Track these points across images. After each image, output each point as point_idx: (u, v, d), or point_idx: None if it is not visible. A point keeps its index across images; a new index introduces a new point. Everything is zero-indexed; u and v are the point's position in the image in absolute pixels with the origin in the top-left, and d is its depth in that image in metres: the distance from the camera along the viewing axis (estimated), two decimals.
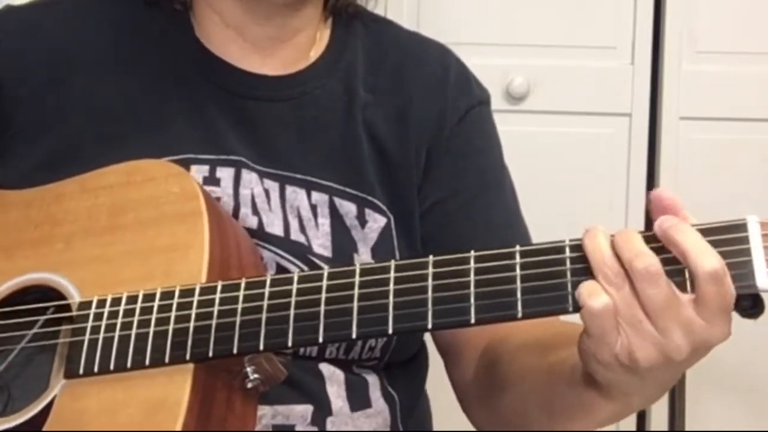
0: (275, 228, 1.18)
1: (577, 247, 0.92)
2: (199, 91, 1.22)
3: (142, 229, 1.07)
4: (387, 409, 1.21)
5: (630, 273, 0.88)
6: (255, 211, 1.17)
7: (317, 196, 1.20)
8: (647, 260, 0.88)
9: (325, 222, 1.20)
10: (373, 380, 1.21)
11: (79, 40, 1.23)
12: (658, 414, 2.25)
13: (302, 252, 1.17)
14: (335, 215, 1.20)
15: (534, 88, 2.29)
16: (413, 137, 1.25)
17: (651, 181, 2.30)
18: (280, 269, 1.16)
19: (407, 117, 1.26)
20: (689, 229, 0.89)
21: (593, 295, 0.89)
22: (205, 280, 1.01)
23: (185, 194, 1.07)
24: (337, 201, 1.21)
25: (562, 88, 2.29)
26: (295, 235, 1.18)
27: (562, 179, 2.27)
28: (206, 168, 1.18)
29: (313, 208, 1.20)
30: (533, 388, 1.10)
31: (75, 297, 1.06)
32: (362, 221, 1.21)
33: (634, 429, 2.29)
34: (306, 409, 1.15)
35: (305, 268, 1.16)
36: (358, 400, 1.19)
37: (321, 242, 1.19)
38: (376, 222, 1.22)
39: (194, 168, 1.17)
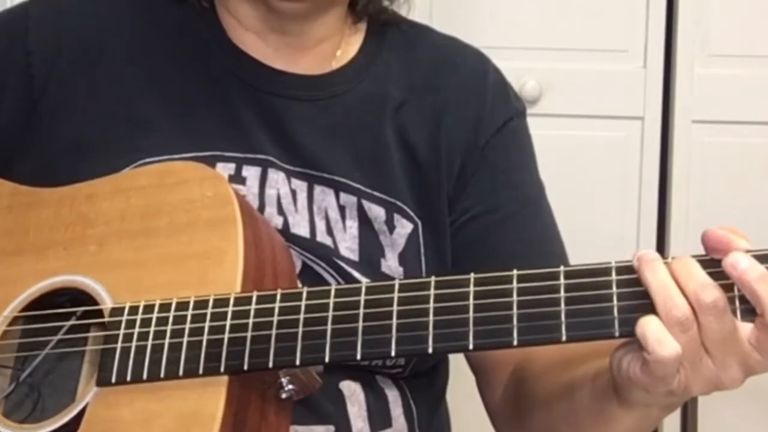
0: (301, 229, 1.17)
1: (624, 270, 0.91)
2: (228, 87, 1.22)
3: (175, 233, 1.06)
4: (406, 427, 1.21)
5: (695, 305, 0.87)
6: (281, 211, 1.17)
7: (346, 198, 1.19)
8: (715, 293, 0.87)
9: (353, 225, 1.19)
10: (393, 396, 1.20)
11: (109, 28, 1.24)
12: (671, 421, 2.25)
13: (328, 254, 1.16)
14: (363, 219, 1.19)
15: (546, 92, 2.29)
16: (446, 142, 1.24)
17: (663, 185, 2.31)
18: (306, 269, 1.15)
19: (441, 121, 1.25)
20: (763, 272, 0.87)
21: (663, 344, 0.87)
22: (240, 289, 1.01)
23: (220, 199, 1.06)
24: (366, 204, 1.20)
25: (575, 91, 2.30)
26: (321, 236, 1.17)
27: (575, 182, 2.26)
28: (232, 166, 1.17)
29: (342, 209, 1.19)
30: (558, 404, 1.10)
31: (107, 301, 1.05)
32: (390, 226, 1.20)
33: None
34: (327, 430, 1.14)
35: (331, 270, 1.16)
36: (378, 420, 1.18)
37: (348, 245, 1.18)
38: (404, 228, 1.21)
39: (220, 166, 1.16)
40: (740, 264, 0.87)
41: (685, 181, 2.28)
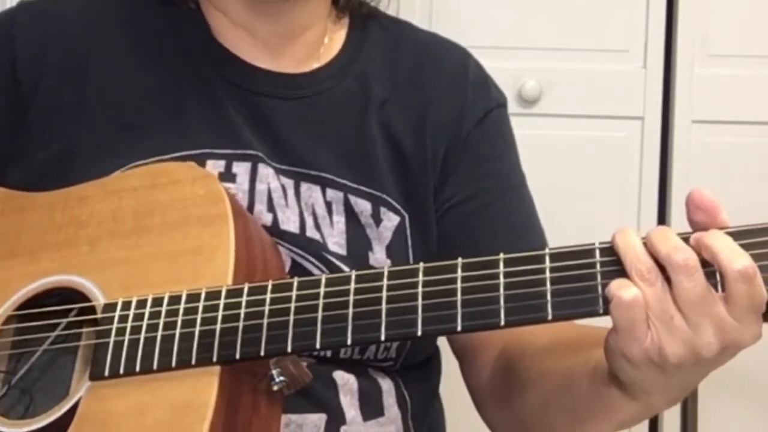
0: (290, 225, 1.18)
1: (607, 250, 0.93)
2: (215, 88, 1.23)
3: (167, 231, 1.07)
4: (400, 416, 1.21)
5: (667, 265, 0.90)
6: (270, 207, 1.18)
7: (332, 194, 1.21)
8: (686, 253, 0.89)
9: (340, 220, 1.20)
10: (387, 386, 1.21)
11: (95, 35, 1.24)
12: (670, 420, 2.24)
13: (317, 249, 1.18)
14: (350, 213, 1.21)
15: (546, 92, 2.29)
16: (430, 136, 1.26)
17: (663, 185, 2.30)
18: (296, 266, 1.16)
19: (425, 116, 1.27)
20: (720, 234, 0.90)
21: (623, 287, 0.90)
22: (232, 283, 1.02)
23: (211, 197, 1.07)
24: (352, 199, 1.21)
25: (575, 91, 2.29)
26: (311, 232, 1.19)
27: (575, 182, 2.26)
28: (222, 163, 1.18)
29: (328, 205, 1.20)
30: (554, 390, 1.10)
31: (100, 299, 1.06)
32: (377, 220, 1.22)
33: None
34: (320, 418, 1.15)
35: (320, 265, 1.17)
36: (370, 409, 1.19)
37: (336, 240, 1.19)
38: (390, 221, 1.22)
39: (210, 163, 1.17)
40: (698, 233, 0.91)
41: (685, 181, 2.28)
